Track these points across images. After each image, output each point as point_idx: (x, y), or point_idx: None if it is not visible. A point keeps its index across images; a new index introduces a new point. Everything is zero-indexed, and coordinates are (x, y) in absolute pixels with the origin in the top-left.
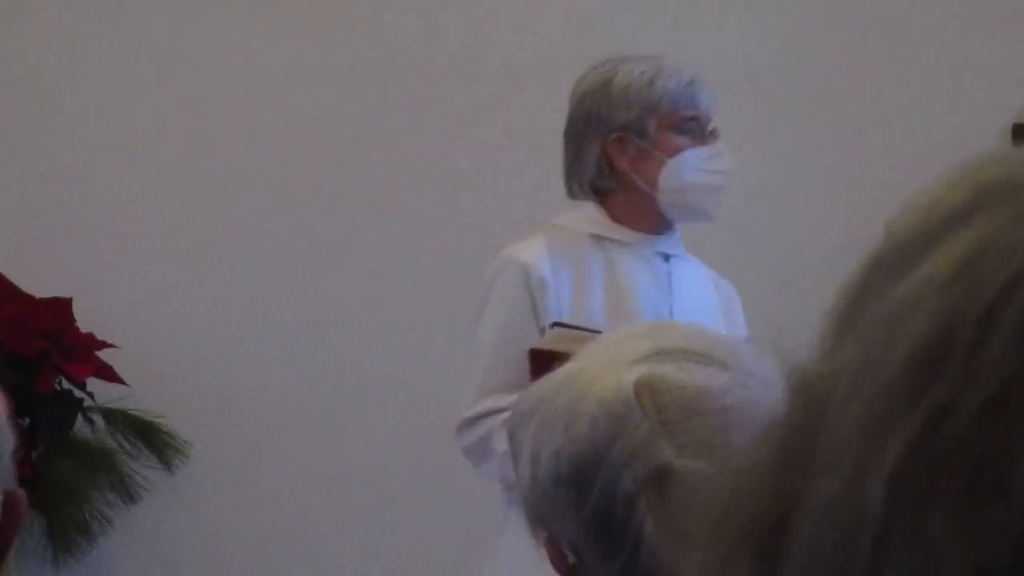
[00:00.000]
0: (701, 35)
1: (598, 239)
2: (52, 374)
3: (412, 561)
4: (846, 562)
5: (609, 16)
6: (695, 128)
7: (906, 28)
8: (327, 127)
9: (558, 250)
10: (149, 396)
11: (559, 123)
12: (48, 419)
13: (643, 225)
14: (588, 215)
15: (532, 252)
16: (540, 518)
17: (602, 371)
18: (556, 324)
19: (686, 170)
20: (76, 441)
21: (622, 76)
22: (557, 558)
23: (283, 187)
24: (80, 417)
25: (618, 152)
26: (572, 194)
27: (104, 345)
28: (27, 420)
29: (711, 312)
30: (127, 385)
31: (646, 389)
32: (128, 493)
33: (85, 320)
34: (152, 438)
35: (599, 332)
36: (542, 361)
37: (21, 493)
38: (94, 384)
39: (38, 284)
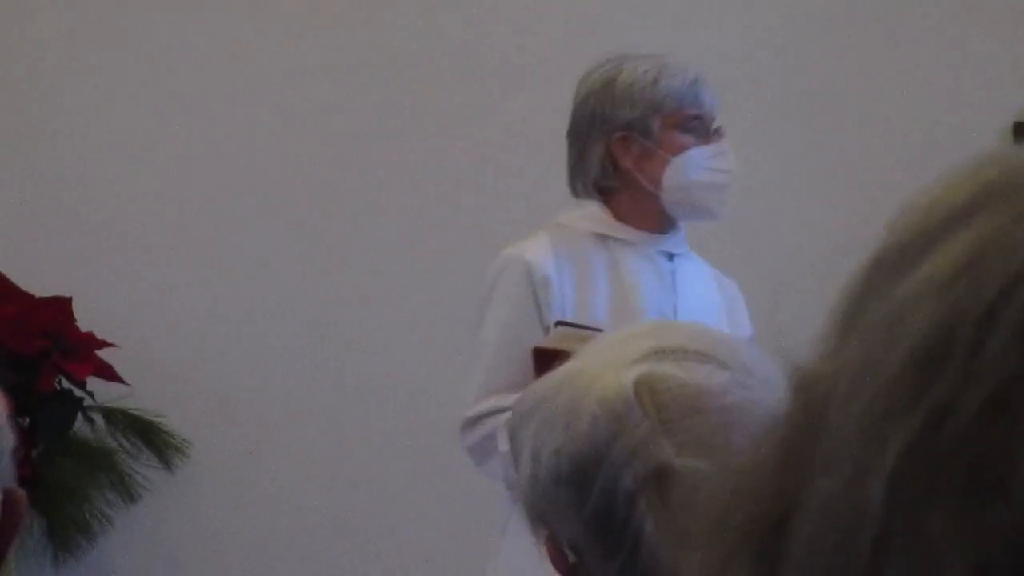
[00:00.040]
0: (701, 35)
1: (602, 238)
2: (52, 373)
3: (412, 561)
4: (846, 562)
5: (609, 16)
6: (699, 127)
7: (906, 27)
8: (327, 127)
9: (562, 248)
10: (149, 395)
11: (559, 123)
12: (48, 418)
13: (647, 224)
14: (592, 214)
15: (536, 250)
16: (540, 517)
17: (602, 370)
18: (560, 323)
19: (690, 169)
20: (76, 440)
21: (626, 75)
22: (557, 557)
23: (283, 187)
24: (80, 416)
25: (622, 151)
26: (576, 193)
27: (104, 344)
28: (27, 419)
29: (715, 311)
30: (127, 384)
31: (646, 388)
32: (128, 492)
33: (85, 319)
34: (152, 437)
35: (603, 331)
36: (546, 360)
37: (21, 492)
38: (94, 383)
39: (38, 283)
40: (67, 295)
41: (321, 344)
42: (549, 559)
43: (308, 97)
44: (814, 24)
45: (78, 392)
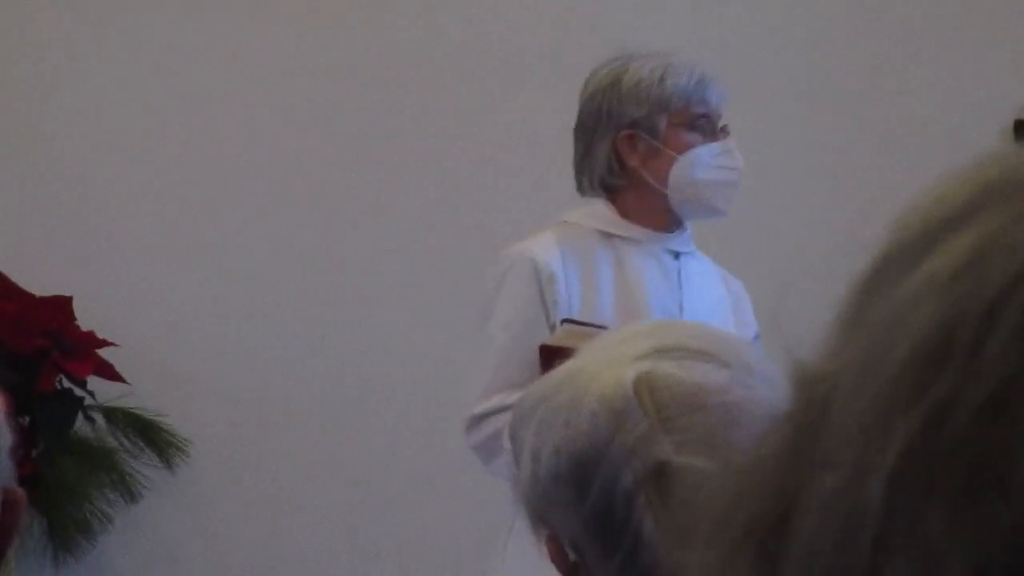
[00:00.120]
0: (701, 35)
1: (608, 236)
2: (52, 372)
3: (412, 561)
4: (846, 561)
5: (609, 16)
6: (706, 125)
7: (906, 26)
8: (327, 127)
9: (568, 246)
10: (150, 394)
11: (559, 122)
12: (48, 418)
13: (653, 222)
14: (598, 212)
15: (542, 248)
16: (541, 516)
17: (602, 368)
18: (566, 321)
19: (697, 167)
20: (76, 440)
21: (632, 73)
22: (559, 556)
23: (283, 187)
24: (80, 416)
25: (628, 149)
26: (582, 190)
27: (104, 343)
28: (27, 419)
29: (721, 310)
30: (127, 383)
31: (645, 386)
32: (129, 492)
33: (85, 318)
34: (153, 436)
35: (609, 329)
36: (552, 357)
37: (20, 492)
38: (94, 382)
39: (38, 282)
40: (67, 294)
41: (321, 344)
42: (550, 559)
43: (308, 97)
44: (814, 23)
45: (78, 391)
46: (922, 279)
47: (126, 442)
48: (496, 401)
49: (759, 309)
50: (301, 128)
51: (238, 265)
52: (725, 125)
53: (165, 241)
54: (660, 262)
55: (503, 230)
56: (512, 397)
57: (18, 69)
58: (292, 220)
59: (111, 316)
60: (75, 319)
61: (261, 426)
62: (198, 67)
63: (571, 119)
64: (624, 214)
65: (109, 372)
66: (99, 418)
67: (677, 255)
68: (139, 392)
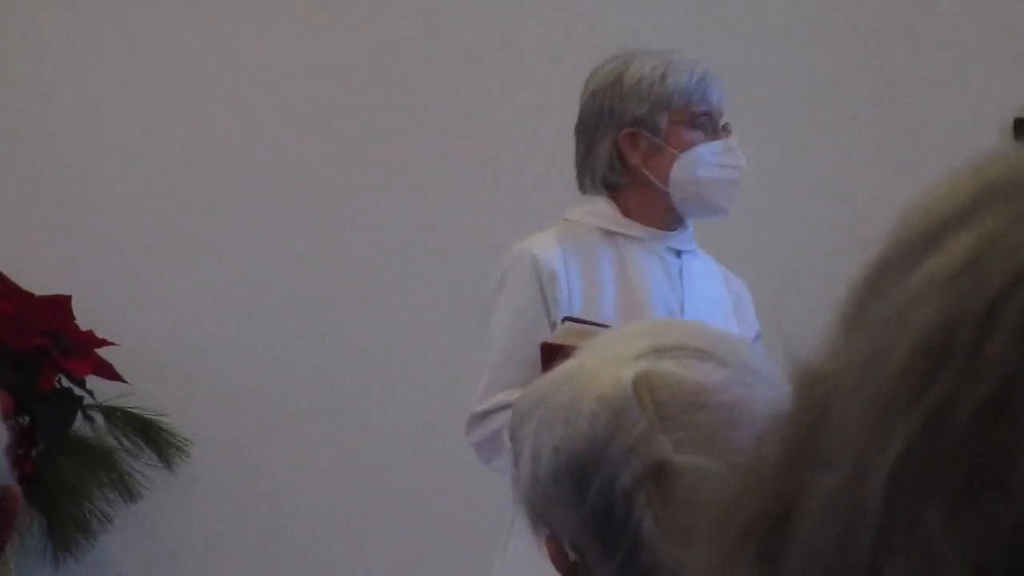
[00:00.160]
0: (701, 34)
1: (609, 234)
2: (52, 372)
3: (412, 561)
4: (846, 561)
5: (609, 15)
6: (707, 123)
7: (906, 25)
8: (327, 126)
9: (569, 244)
10: (149, 394)
11: (559, 122)
12: (48, 417)
13: (654, 220)
14: (599, 210)
15: (544, 246)
16: (541, 516)
17: (602, 367)
18: (567, 319)
19: (698, 165)
20: (76, 439)
21: (634, 71)
22: (559, 556)
23: (283, 187)
24: (80, 415)
25: (630, 147)
26: (583, 189)
27: (104, 343)
28: (27, 418)
29: (722, 308)
30: (127, 383)
31: (645, 385)
32: (128, 491)
33: (85, 318)
34: (152, 436)
35: (610, 327)
36: (553, 356)
37: (17, 489)
38: (94, 382)
39: (37, 282)
40: (67, 293)
41: (321, 344)
42: (550, 559)
43: (308, 97)
44: (815, 23)
45: (78, 391)
46: (922, 279)
47: (126, 442)
48: (498, 399)
49: (760, 308)
50: (301, 128)
51: (238, 265)
52: (727, 123)
53: (165, 241)
54: (662, 260)
55: (503, 230)
56: (514, 395)
57: (18, 69)
58: (292, 220)
59: (110, 315)
60: (74, 318)
61: (261, 426)
62: (198, 67)
63: (571, 119)
64: (626, 212)
65: (108, 371)
66: (98, 417)
67: (679, 253)
68: (139, 391)
